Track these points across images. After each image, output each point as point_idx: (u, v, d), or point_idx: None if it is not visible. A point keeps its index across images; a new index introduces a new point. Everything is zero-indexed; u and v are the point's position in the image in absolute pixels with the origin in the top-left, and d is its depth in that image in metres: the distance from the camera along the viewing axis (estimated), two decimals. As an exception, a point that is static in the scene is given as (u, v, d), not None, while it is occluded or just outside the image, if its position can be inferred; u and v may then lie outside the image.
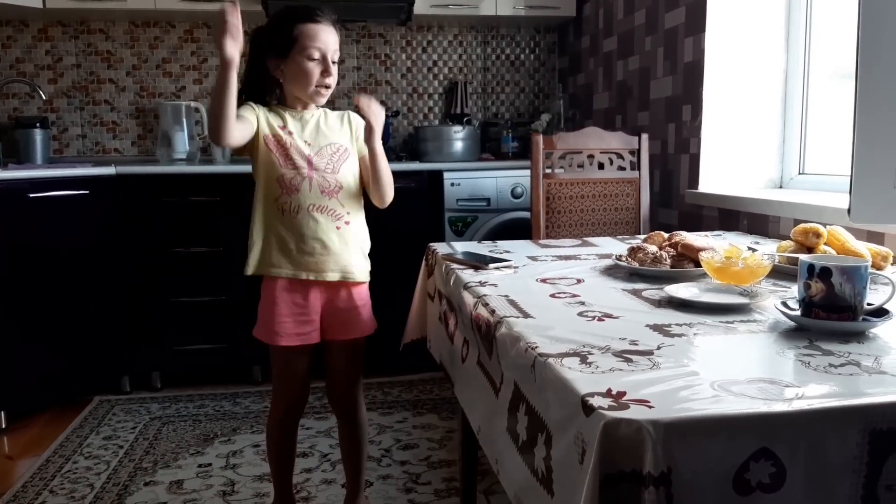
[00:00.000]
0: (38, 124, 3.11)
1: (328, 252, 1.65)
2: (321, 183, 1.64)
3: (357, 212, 1.71)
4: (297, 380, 1.74)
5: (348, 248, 1.68)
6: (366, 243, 1.75)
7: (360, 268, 1.72)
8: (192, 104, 3.26)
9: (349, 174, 1.69)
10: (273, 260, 1.64)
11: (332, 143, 1.67)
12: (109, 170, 2.78)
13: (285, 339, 1.67)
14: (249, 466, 2.24)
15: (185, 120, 3.20)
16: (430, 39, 3.62)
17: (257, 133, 1.62)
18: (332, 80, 1.63)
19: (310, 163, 1.63)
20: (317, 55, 1.59)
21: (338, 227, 1.66)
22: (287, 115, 1.66)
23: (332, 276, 1.67)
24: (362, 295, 1.75)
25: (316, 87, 1.62)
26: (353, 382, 1.80)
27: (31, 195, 2.61)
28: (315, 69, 1.60)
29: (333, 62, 1.62)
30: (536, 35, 3.72)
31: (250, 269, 1.68)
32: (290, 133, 1.64)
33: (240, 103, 1.66)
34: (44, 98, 3.23)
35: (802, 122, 2.33)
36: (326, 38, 1.60)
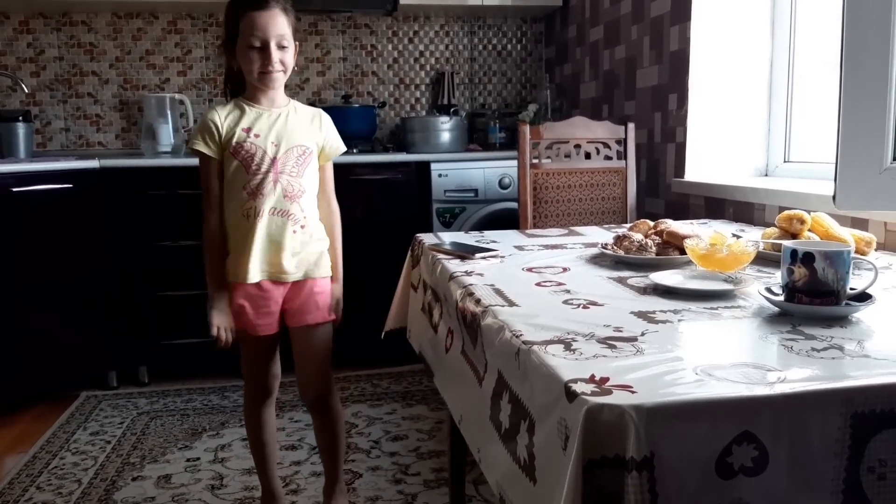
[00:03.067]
0: (20, 118, 3.06)
1: (288, 255, 1.65)
2: (285, 187, 1.63)
3: (313, 213, 1.71)
4: (259, 366, 1.77)
5: (306, 249, 1.69)
6: (324, 240, 1.75)
7: (320, 265, 1.72)
8: (177, 96, 3.23)
9: (311, 178, 1.69)
10: (240, 268, 1.65)
11: (299, 144, 1.66)
12: (93, 163, 2.75)
13: (248, 329, 1.70)
14: (238, 460, 2.23)
15: (169, 112, 3.17)
16: (417, 30, 3.60)
17: (221, 151, 1.63)
18: (276, 66, 1.58)
19: (274, 164, 1.62)
20: (257, 43, 1.56)
21: (294, 231, 1.66)
22: (252, 115, 1.63)
23: (293, 277, 1.68)
24: (322, 285, 1.74)
25: (259, 73, 1.59)
26: (319, 371, 1.79)
27: (14, 189, 2.58)
28: (256, 57, 1.57)
29: (282, 47, 1.58)
30: (523, 25, 3.71)
31: (230, 278, 1.69)
32: (256, 136, 1.62)
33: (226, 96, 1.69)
34: (26, 91, 3.19)
35: (787, 111, 2.34)
36: (266, 24, 1.56)
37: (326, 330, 1.77)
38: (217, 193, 1.66)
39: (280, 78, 1.62)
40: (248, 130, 1.62)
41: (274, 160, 1.62)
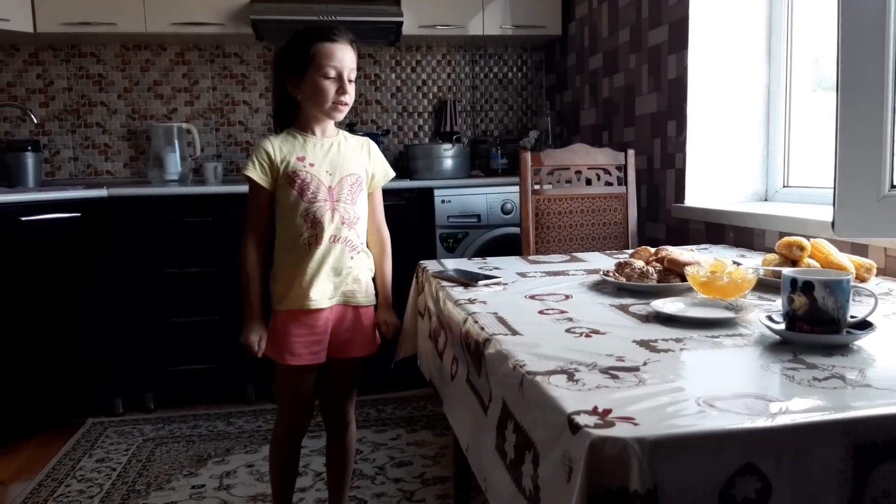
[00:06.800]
0: (29, 147, 3.11)
1: (343, 281, 1.68)
2: (343, 214, 1.66)
3: (364, 240, 1.75)
4: (303, 398, 1.75)
5: (361, 276, 1.72)
6: (372, 268, 1.79)
7: (369, 293, 1.76)
8: (184, 125, 3.28)
9: (364, 205, 1.73)
10: (296, 295, 1.65)
11: (352, 172, 1.69)
12: (101, 192, 2.79)
13: (296, 358, 1.67)
14: (243, 487, 2.23)
15: (176, 141, 3.22)
16: (419, 59, 3.65)
17: (275, 178, 1.64)
18: (349, 98, 1.64)
19: (330, 193, 1.65)
20: (332, 73, 1.60)
21: (352, 258, 1.69)
22: (308, 145, 1.66)
23: (341, 301, 1.70)
24: (369, 316, 1.77)
25: (332, 104, 1.62)
26: (349, 397, 1.83)
27: (23, 218, 2.61)
28: (331, 87, 1.61)
29: (350, 80, 1.63)
30: (523, 53, 3.76)
31: (282, 305, 1.67)
32: (311, 164, 1.64)
33: (277, 128, 1.72)
34: (35, 122, 3.24)
35: (786, 135, 2.37)
36: (342, 56, 1.61)
37: (361, 360, 1.79)
38: (260, 223, 1.67)
39: (346, 110, 1.66)
40: (303, 159, 1.65)
41: (330, 189, 1.65)
